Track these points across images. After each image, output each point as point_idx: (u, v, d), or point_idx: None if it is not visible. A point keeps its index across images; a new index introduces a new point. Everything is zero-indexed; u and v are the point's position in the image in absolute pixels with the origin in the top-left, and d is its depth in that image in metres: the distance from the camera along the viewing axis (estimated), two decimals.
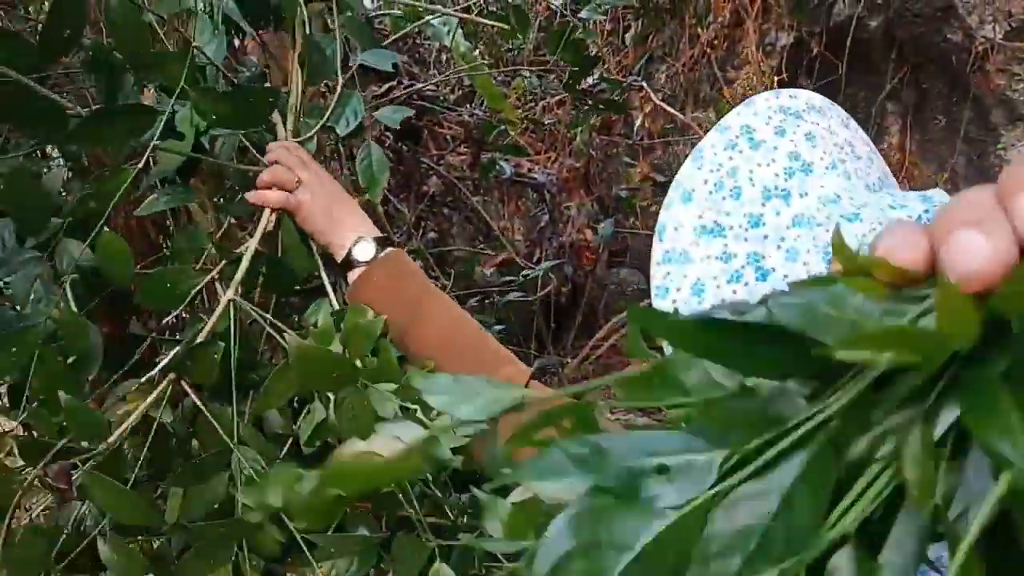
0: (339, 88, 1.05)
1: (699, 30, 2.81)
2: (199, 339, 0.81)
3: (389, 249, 0.88)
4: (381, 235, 0.88)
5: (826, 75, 2.76)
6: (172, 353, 0.82)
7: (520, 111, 2.97)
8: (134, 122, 0.76)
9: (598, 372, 2.81)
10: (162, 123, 0.76)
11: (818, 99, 0.68)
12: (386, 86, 2.27)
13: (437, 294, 0.88)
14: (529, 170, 2.60)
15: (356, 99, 1.05)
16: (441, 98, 2.72)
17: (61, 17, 0.66)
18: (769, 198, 0.60)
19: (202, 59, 0.84)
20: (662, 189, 3.24)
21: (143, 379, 0.81)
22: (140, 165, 0.76)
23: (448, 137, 2.81)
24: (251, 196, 0.87)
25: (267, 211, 0.88)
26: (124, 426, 0.78)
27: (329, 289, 0.92)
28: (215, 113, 0.78)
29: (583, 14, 2.41)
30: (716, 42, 2.86)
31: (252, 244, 0.87)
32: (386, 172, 1.07)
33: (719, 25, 2.81)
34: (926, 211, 0.57)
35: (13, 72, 0.65)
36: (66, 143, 0.80)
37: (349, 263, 0.87)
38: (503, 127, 2.26)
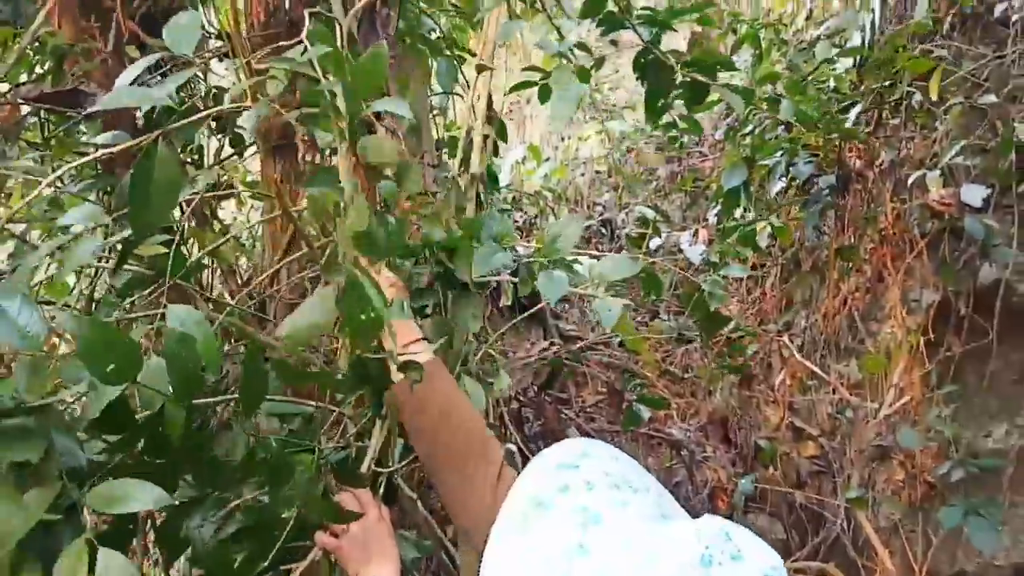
0: None
1: (840, 284, 2.85)
2: None
3: None
4: None
5: (976, 336, 2.70)
6: None
7: (658, 354, 3.05)
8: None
9: None
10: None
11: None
12: (538, 348, 2.41)
13: None
14: (666, 423, 2.63)
15: None
16: (582, 337, 2.84)
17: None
18: None
19: None
20: (799, 435, 3.18)
21: None
22: None
23: (587, 375, 2.90)
24: (317, 537, 1.12)
25: (316, 548, 1.13)
26: None
27: None
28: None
29: (721, 273, 2.49)
30: (858, 294, 2.87)
31: (300, 568, 1.11)
32: None
33: (862, 279, 2.83)
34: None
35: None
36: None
37: None
38: (642, 384, 2.32)
